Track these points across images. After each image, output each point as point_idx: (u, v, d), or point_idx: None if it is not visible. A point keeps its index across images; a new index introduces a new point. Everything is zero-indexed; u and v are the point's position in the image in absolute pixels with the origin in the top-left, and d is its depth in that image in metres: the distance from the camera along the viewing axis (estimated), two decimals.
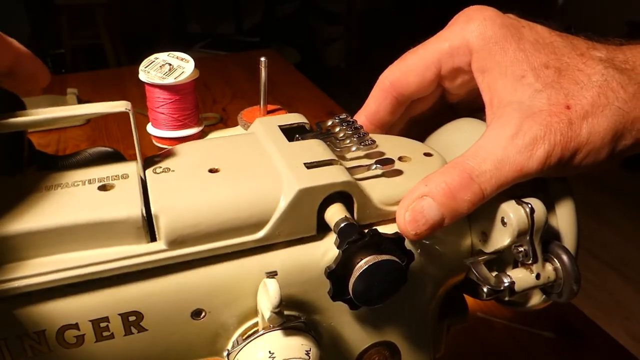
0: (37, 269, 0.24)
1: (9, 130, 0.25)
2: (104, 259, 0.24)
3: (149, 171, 0.28)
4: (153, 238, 0.26)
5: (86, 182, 0.26)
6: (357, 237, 0.26)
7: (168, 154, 0.29)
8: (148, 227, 0.25)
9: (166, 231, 0.25)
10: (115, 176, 0.27)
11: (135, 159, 0.28)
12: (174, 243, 0.25)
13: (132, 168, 0.28)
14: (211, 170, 0.28)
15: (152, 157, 0.29)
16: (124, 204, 0.25)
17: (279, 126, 0.31)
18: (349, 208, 0.27)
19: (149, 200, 0.26)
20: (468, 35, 0.31)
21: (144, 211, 0.25)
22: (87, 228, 0.24)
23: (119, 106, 0.26)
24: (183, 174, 0.28)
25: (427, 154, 0.32)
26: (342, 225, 0.26)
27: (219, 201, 0.26)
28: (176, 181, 0.27)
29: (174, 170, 0.28)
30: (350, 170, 0.28)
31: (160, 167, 0.28)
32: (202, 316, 0.27)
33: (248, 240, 0.26)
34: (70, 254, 0.24)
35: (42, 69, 0.29)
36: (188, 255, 0.26)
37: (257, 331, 0.27)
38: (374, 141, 0.31)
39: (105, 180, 0.26)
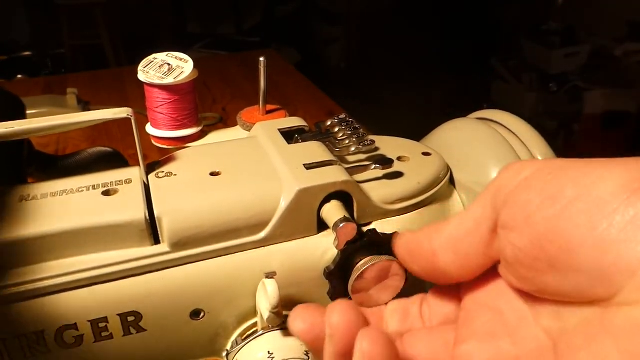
0: (44, 273, 0.24)
1: (10, 139, 0.26)
2: (109, 262, 0.25)
3: (151, 176, 0.28)
4: (157, 241, 0.26)
5: (90, 187, 0.27)
6: (356, 237, 0.26)
7: (170, 159, 0.30)
8: (152, 230, 0.26)
9: (169, 233, 0.25)
10: (119, 181, 0.27)
11: (136, 159, 0.28)
12: (177, 245, 0.25)
13: (135, 173, 0.28)
14: (212, 174, 0.28)
15: (155, 163, 0.29)
16: (127, 208, 0.25)
17: (279, 129, 0.32)
18: (348, 208, 0.27)
19: (152, 204, 0.26)
20: None
21: (147, 214, 0.25)
22: (93, 232, 0.25)
23: (121, 112, 0.26)
24: (185, 178, 0.28)
25: (426, 154, 0.32)
26: (341, 225, 0.26)
27: (220, 203, 0.26)
28: (178, 185, 0.27)
29: (176, 175, 0.28)
30: (350, 170, 0.28)
31: (163, 171, 0.28)
32: (201, 316, 0.27)
33: (250, 241, 0.27)
34: (76, 258, 0.25)
35: None
36: (191, 257, 0.26)
37: (256, 331, 0.27)
38: (373, 141, 0.31)
39: (109, 185, 0.27)
